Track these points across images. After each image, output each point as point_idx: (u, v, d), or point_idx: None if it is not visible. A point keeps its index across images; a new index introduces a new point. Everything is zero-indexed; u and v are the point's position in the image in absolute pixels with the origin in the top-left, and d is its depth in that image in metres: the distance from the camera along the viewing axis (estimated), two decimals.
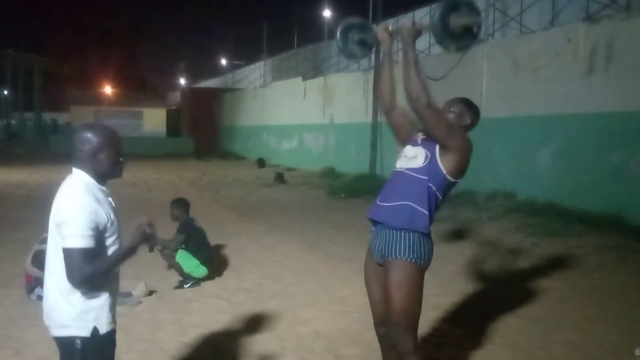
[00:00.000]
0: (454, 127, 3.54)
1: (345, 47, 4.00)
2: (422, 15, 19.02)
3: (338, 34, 3.96)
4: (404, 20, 3.65)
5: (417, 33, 3.55)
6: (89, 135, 2.84)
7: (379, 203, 3.63)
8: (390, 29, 3.78)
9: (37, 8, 64.68)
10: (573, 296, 6.60)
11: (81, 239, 2.69)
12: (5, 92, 55.50)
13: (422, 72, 3.46)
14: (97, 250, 2.75)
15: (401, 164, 3.64)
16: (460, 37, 3.50)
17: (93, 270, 2.71)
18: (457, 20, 3.42)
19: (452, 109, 3.70)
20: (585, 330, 5.52)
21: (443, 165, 3.50)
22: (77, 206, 2.73)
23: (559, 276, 7.32)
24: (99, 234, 2.77)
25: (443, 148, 3.50)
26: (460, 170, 3.56)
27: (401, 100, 3.76)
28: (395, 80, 3.84)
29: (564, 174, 11.24)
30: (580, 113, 10.93)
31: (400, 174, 3.61)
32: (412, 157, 3.59)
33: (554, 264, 7.84)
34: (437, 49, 14.74)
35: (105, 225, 2.80)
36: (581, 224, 9.69)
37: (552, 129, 11.53)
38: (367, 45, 3.97)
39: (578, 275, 7.46)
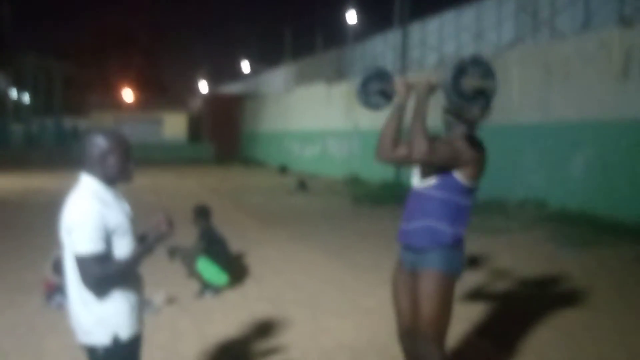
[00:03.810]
0: (458, 150, 3.47)
1: (367, 99, 3.97)
2: (447, 19, 18.72)
3: (359, 87, 3.95)
4: (421, 76, 3.72)
5: (432, 89, 3.56)
6: (99, 139, 2.90)
7: (403, 228, 3.65)
8: (408, 83, 3.72)
9: (58, 12, 65.19)
10: (607, 309, 6.32)
11: (90, 244, 2.72)
12: (27, 97, 55.19)
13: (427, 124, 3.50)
14: (108, 253, 2.78)
15: (416, 181, 3.66)
16: (474, 99, 3.48)
17: (106, 273, 2.74)
18: (470, 83, 3.42)
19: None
20: (619, 344, 5.29)
21: (458, 175, 3.49)
22: (82, 212, 2.77)
23: (592, 288, 7.02)
24: (109, 237, 2.80)
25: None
26: (476, 176, 3.54)
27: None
28: (399, 130, 3.74)
29: (597, 182, 10.94)
30: (615, 119, 10.60)
31: (416, 193, 3.63)
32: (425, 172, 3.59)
33: (587, 276, 7.54)
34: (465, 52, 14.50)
35: (115, 227, 2.82)
36: (615, 235, 9.46)
37: (586, 136, 11.22)
38: (388, 94, 3.91)
39: (612, 287, 7.16)
